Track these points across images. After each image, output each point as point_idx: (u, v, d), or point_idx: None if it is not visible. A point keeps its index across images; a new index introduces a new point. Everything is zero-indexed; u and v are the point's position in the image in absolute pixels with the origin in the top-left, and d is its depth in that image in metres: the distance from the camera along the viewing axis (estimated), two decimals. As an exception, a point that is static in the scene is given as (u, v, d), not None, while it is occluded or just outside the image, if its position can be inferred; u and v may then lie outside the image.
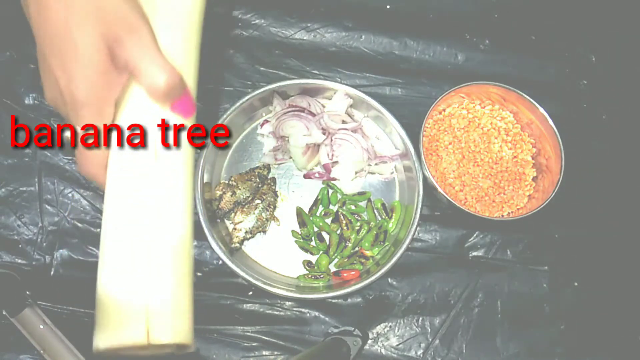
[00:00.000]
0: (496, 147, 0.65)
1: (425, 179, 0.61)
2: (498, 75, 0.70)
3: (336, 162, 0.65)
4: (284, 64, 0.69)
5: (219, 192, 0.64)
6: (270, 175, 0.66)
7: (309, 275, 0.63)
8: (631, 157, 0.69)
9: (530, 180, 0.64)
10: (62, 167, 0.65)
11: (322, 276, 0.62)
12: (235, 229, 0.63)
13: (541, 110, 0.62)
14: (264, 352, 0.62)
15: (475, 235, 0.66)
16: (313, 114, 0.65)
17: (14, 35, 0.68)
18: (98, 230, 0.64)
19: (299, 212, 0.65)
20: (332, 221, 0.64)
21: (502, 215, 0.63)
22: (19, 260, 0.63)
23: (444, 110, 0.66)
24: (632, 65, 0.72)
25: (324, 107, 0.66)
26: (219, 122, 0.62)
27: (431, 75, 0.70)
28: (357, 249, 0.64)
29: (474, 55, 0.70)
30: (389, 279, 0.65)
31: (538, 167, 0.64)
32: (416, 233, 0.66)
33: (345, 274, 0.62)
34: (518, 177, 0.64)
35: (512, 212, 0.63)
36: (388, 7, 0.71)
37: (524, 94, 0.63)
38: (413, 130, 0.64)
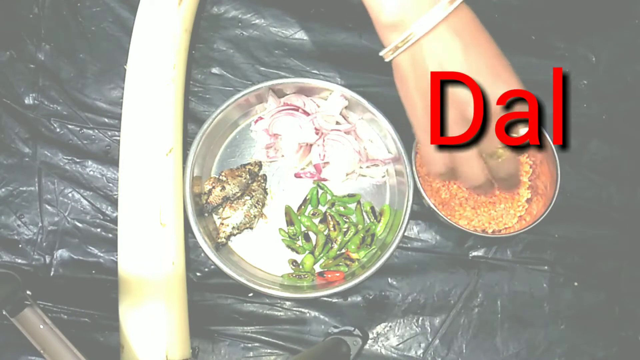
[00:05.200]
0: None
1: (415, 184, 0.61)
2: (498, 75, 0.70)
3: (327, 163, 0.65)
4: (284, 64, 0.69)
5: (208, 187, 0.64)
6: (261, 173, 0.66)
7: (294, 275, 0.63)
8: (631, 157, 0.69)
9: (524, 202, 0.63)
10: (62, 167, 0.65)
11: (306, 276, 0.62)
12: (222, 224, 0.63)
13: (546, 136, 0.61)
14: (263, 352, 0.62)
15: (475, 235, 0.66)
16: (307, 113, 0.65)
17: (14, 35, 0.68)
18: (98, 230, 0.64)
19: (288, 211, 0.65)
20: (320, 221, 0.64)
21: (485, 231, 0.62)
22: (19, 260, 0.63)
23: None
24: (632, 65, 0.71)
25: (319, 107, 0.66)
26: (214, 115, 0.62)
27: (431, 75, 0.69)
28: (343, 250, 0.64)
29: (474, 55, 0.70)
30: (389, 279, 0.65)
31: (534, 190, 0.64)
32: (417, 233, 0.66)
33: (329, 275, 0.62)
34: (511, 196, 0.63)
35: (498, 230, 0.63)
36: (388, 7, 0.71)
37: None
38: (411, 130, 0.64)
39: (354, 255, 0.63)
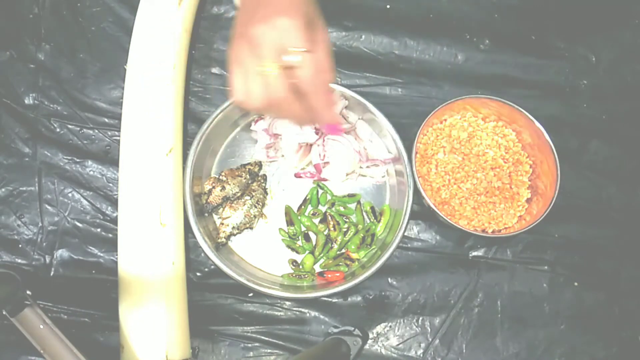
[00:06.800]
0: (493, 164, 0.64)
1: (415, 184, 0.61)
2: (498, 75, 0.70)
3: (327, 163, 0.65)
4: (284, 64, 0.69)
5: (208, 187, 0.64)
6: (261, 173, 0.66)
7: (294, 275, 0.63)
8: (631, 157, 0.69)
9: (524, 202, 0.63)
10: (62, 167, 0.65)
11: (306, 276, 0.62)
12: (222, 224, 0.63)
13: (546, 137, 0.61)
14: (263, 352, 0.62)
15: (475, 235, 0.66)
16: (307, 113, 0.64)
17: (14, 35, 0.68)
18: (98, 230, 0.64)
19: (288, 211, 0.65)
20: (320, 221, 0.64)
21: (485, 231, 0.62)
22: (19, 260, 0.63)
23: (445, 120, 0.66)
24: (632, 65, 0.72)
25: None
26: (214, 115, 0.62)
27: (431, 75, 0.70)
28: (343, 250, 0.64)
29: (474, 55, 0.70)
30: (389, 279, 0.65)
31: (534, 190, 0.64)
32: (417, 233, 0.66)
33: (329, 275, 0.62)
34: (511, 196, 0.63)
35: (498, 230, 0.63)
36: (388, 7, 0.71)
37: (529, 115, 0.61)
38: (411, 130, 0.64)
39: (354, 255, 0.63)
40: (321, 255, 0.64)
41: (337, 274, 0.62)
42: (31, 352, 0.60)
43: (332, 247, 0.64)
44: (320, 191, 0.66)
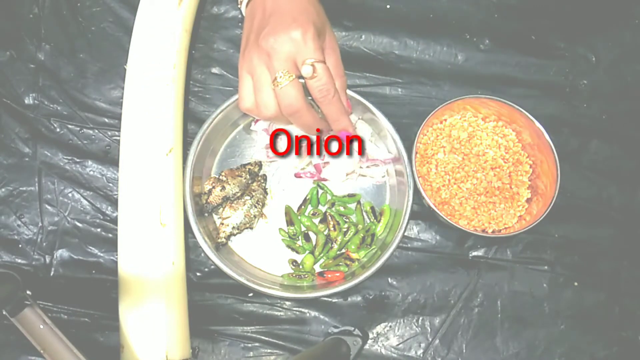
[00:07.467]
0: (493, 163, 0.64)
1: (415, 184, 0.61)
2: (498, 75, 0.70)
3: (327, 163, 0.65)
4: (284, 64, 0.69)
5: (208, 187, 0.64)
6: (261, 173, 0.66)
7: (294, 275, 0.63)
8: (631, 157, 0.69)
9: (524, 202, 0.63)
10: (62, 167, 0.65)
11: (306, 276, 0.62)
12: (222, 224, 0.63)
13: (546, 137, 0.61)
14: (263, 352, 0.62)
15: (475, 235, 0.66)
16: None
17: (14, 35, 0.68)
18: (98, 230, 0.64)
19: (288, 211, 0.65)
20: (320, 221, 0.64)
21: (485, 231, 0.62)
22: (19, 260, 0.63)
23: (445, 120, 0.66)
24: (632, 65, 0.72)
25: (319, 107, 0.66)
26: (214, 115, 0.62)
27: (431, 75, 0.70)
28: (343, 250, 0.64)
29: (474, 55, 0.70)
30: (389, 279, 0.65)
31: (534, 190, 0.64)
32: (417, 233, 0.66)
33: (329, 275, 0.62)
34: (511, 196, 0.63)
35: (498, 230, 0.63)
36: (388, 7, 0.71)
37: (529, 115, 0.61)
38: (412, 130, 0.64)
39: (354, 255, 0.63)
40: (321, 255, 0.64)
41: (337, 274, 0.62)
42: (31, 352, 0.60)
43: (332, 247, 0.64)
44: (320, 191, 0.66)
